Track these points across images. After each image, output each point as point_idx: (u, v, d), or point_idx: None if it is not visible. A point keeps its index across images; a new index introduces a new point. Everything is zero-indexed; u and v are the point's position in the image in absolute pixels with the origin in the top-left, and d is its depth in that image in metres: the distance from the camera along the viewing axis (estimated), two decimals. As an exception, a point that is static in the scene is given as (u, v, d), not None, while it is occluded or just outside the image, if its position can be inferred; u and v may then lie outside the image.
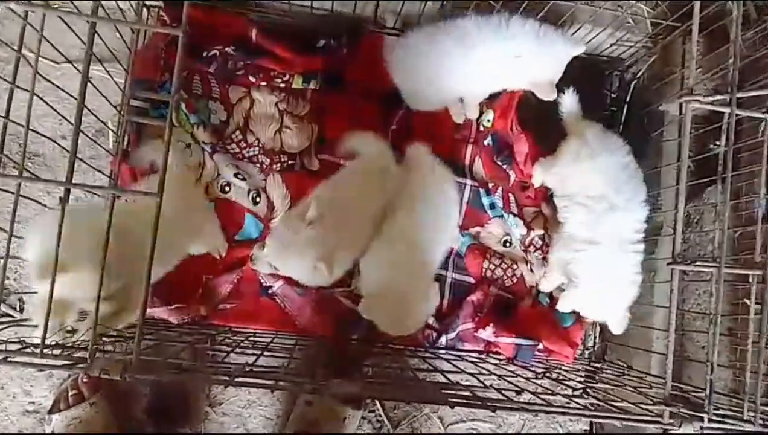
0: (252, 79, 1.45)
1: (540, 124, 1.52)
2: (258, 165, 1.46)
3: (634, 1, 1.46)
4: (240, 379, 0.90)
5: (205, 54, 1.42)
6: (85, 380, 1.35)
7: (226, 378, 0.87)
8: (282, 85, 1.47)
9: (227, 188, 1.45)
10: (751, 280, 1.01)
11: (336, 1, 1.41)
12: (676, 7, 1.40)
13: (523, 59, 1.29)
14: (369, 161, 1.36)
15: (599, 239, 1.32)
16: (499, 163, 1.54)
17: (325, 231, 1.17)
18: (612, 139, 1.36)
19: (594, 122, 1.40)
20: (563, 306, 1.44)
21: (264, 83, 1.46)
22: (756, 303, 1.02)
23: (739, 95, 0.95)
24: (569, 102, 1.40)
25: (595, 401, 1.03)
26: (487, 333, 1.45)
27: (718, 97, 0.95)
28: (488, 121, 1.54)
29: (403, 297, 1.25)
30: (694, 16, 0.95)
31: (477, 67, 1.32)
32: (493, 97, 1.51)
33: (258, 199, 1.45)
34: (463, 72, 1.33)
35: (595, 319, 1.45)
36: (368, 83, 1.49)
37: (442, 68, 1.33)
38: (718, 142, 1.36)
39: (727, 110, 0.94)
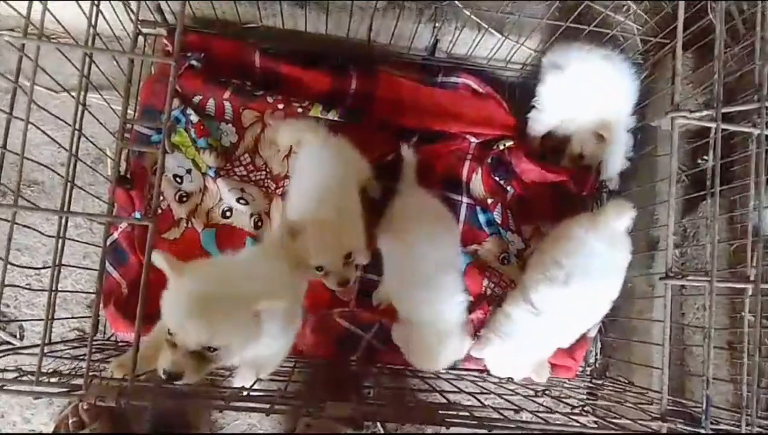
0: (270, 100, 1.45)
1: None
2: (263, 189, 1.47)
3: (623, 19, 1.47)
4: (236, 404, 0.90)
5: (222, 79, 1.44)
6: (85, 407, 1.35)
7: (222, 402, 0.87)
8: (300, 110, 1.46)
9: (228, 214, 1.46)
10: (745, 293, 1.01)
11: (332, 7, 1.40)
12: (665, 23, 1.43)
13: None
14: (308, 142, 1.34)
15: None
16: (497, 178, 1.55)
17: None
18: (621, 237, 1.31)
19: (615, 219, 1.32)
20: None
21: (282, 106, 1.46)
22: (751, 315, 1.02)
23: (726, 110, 0.95)
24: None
25: (594, 419, 1.03)
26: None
27: (705, 113, 0.95)
28: (506, 144, 1.54)
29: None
30: (677, 34, 0.96)
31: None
32: None
33: (260, 223, 1.45)
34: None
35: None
36: (390, 121, 1.50)
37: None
38: (706, 157, 1.37)
39: (713, 125, 0.94)
